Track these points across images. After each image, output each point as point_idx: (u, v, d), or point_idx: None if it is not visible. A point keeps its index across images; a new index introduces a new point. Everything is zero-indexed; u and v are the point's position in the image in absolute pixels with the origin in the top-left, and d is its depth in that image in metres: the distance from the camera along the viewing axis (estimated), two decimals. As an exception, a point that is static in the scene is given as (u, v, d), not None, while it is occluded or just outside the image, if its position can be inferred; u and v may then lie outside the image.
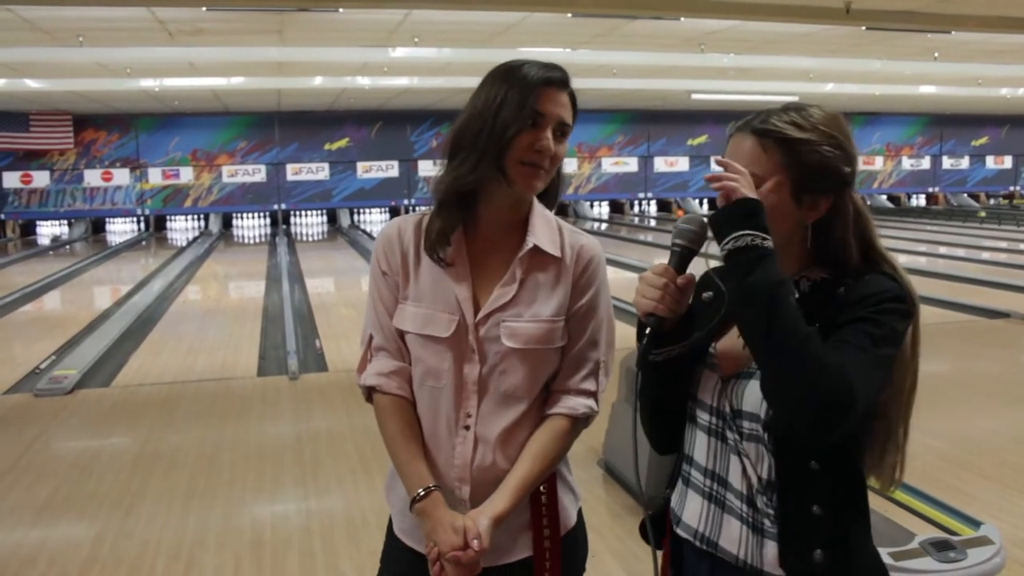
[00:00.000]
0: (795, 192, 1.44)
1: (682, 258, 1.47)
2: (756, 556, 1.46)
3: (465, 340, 1.63)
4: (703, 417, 1.55)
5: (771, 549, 1.45)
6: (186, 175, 20.14)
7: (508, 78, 1.59)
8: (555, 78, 1.60)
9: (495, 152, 1.57)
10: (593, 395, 1.69)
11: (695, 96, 16.96)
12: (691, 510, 1.57)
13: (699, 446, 1.57)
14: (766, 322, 1.33)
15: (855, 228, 1.48)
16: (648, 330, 1.46)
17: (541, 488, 1.66)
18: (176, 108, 18.38)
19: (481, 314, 1.63)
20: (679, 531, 1.59)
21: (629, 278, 11.35)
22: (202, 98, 16.56)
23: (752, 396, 1.46)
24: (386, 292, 1.69)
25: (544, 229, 1.67)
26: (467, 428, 1.64)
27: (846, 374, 1.30)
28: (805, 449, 1.42)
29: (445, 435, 1.65)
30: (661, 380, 1.56)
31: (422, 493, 1.60)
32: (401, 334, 1.68)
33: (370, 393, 1.71)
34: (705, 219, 1.48)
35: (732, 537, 1.49)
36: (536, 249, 1.65)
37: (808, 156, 1.43)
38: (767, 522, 1.45)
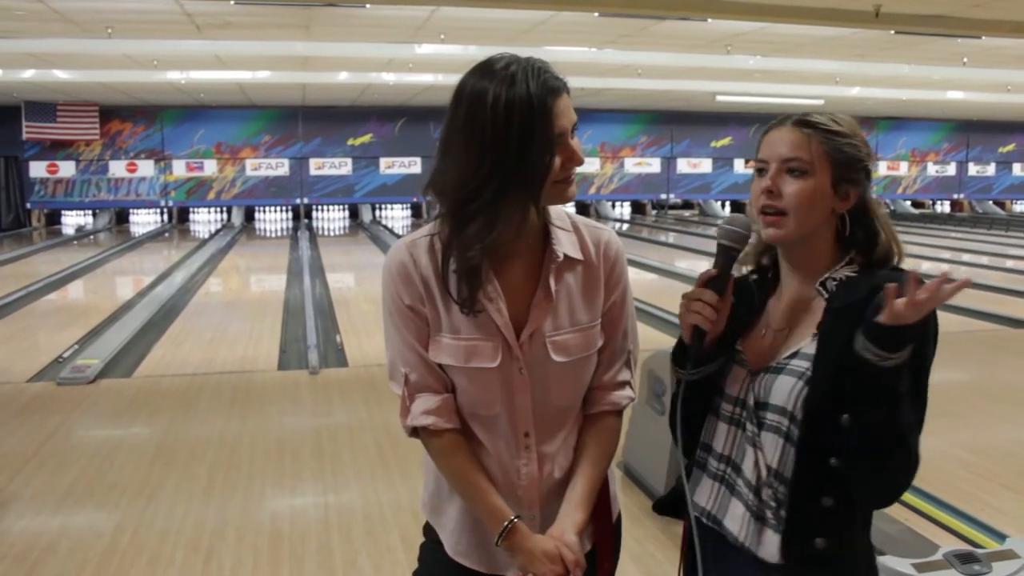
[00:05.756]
0: (834, 181, 1.53)
1: (728, 258, 1.55)
2: (754, 542, 1.55)
3: (512, 364, 1.57)
4: (726, 408, 1.63)
5: (768, 539, 1.54)
6: (210, 168, 20.26)
7: (510, 108, 1.42)
8: (560, 87, 1.48)
9: (532, 196, 1.49)
10: (629, 384, 1.71)
11: (720, 98, 16.88)
12: (702, 491, 1.67)
13: (718, 434, 1.65)
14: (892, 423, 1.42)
15: (882, 220, 1.58)
16: (688, 345, 1.56)
17: None
18: (201, 101, 18.49)
19: (524, 335, 1.57)
20: (689, 509, 1.63)
21: (650, 279, 11.31)
22: (227, 91, 16.65)
23: (781, 390, 1.53)
24: (414, 328, 1.59)
25: (564, 235, 1.62)
26: (527, 448, 1.62)
27: (918, 452, 1.46)
28: (828, 447, 1.48)
29: (507, 459, 1.62)
30: (698, 393, 1.63)
31: (508, 526, 1.57)
32: (440, 364, 1.60)
33: (415, 429, 1.63)
34: (747, 217, 1.59)
35: (736, 518, 1.59)
36: (564, 258, 1.60)
37: (846, 148, 1.53)
38: (768, 513, 1.54)
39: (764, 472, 1.54)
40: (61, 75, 14.00)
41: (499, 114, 1.42)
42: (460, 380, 1.59)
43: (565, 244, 1.60)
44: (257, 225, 20.52)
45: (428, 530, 1.75)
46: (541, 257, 1.60)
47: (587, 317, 1.62)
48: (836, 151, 1.52)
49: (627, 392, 1.69)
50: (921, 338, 1.39)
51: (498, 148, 1.43)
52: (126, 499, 4.09)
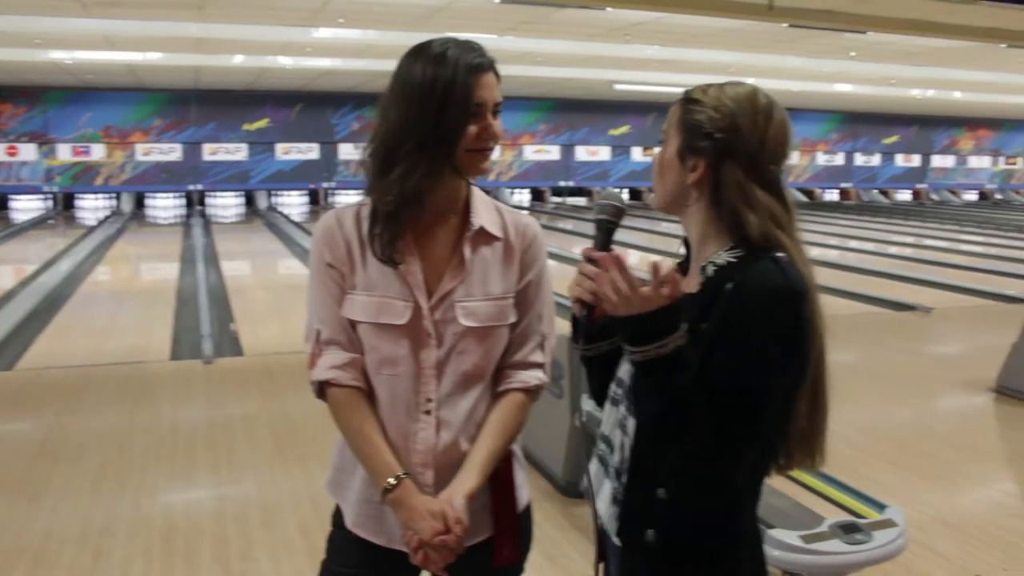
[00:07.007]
0: (680, 150, 1.48)
1: (607, 233, 1.50)
2: (611, 526, 1.52)
3: (421, 325, 1.64)
4: (612, 388, 1.59)
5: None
6: (98, 152, 19.48)
7: (436, 73, 1.57)
8: (484, 64, 1.61)
9: (446, 153, 1.59)
10: (541, 367, 1.74)
11: (618, 86, 17.11)
12: (592, 471, 1.63)
13: (604, 414, 1.61)
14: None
15: (742, 201, 1.43)
16: (577, 319, 1.50)
17: (499, 467, 1.69)
18: (89, 82, 17.75)
19: (435, 297, 1.64)
20: (582, 490, 1.63)
21: (549, 265, 11.39)
22: (117, 73, 16.04)
23: None
24: (332, 284, 1.67)
25: (485, 211, 1.71)
26: (427, 413, 1.65)
27: (732, 462, 1.37)
28: (669, 438, 1.39)
29: (405, 421, 1.65)
30: (597, 372, 1.61)
31: (393, 483, 1.61)
32: (352, 324, 1.66)
33: (321, 388, 1.68)
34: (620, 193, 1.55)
35: (604, 499, 1.55)
36: (481, 230, 1.68)
37: (696, 116, 1.46)
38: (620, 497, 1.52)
39: (626, 456, 1.49)
40: (-67, 52, 13.27)
41: (426, 82, 1.57)
42: (369, 337, 1.65)
43: (485, 219, 1.69)
44: (148, 212, 19.83)
45: (336, 515, 1.78)
46: (462, 232, 1.69)
47: (500, 289, 1.69)
48: (685, 119, 1.48)
49: (538, 373, 1.73)
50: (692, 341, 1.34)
51: (422, 108, 1.57)
52: (6, 497, 3.92)
